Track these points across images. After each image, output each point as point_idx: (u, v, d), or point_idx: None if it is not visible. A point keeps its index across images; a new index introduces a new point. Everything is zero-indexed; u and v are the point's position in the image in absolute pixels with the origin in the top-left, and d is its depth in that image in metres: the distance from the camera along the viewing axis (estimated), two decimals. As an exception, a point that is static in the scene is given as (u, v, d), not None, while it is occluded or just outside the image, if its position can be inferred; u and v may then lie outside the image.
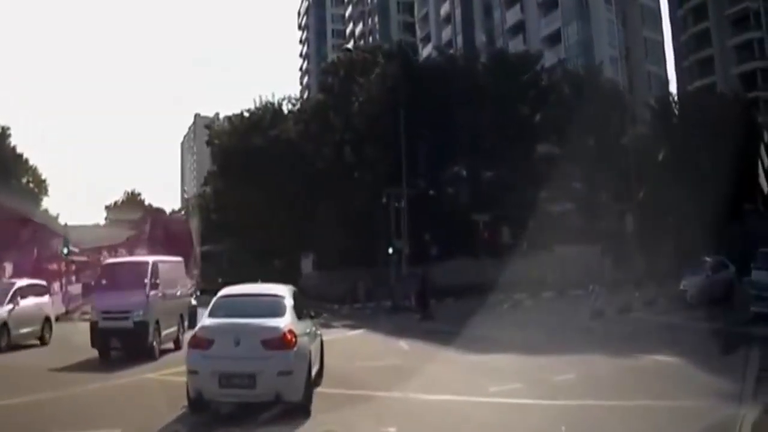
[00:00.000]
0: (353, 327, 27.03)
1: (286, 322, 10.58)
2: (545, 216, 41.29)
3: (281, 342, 10.20)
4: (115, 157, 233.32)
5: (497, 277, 37.67)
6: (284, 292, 11.54)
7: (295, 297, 11.61)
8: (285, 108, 64.53)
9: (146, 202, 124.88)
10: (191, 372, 10.34)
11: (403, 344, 20.67)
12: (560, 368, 14.60)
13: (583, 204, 42.19)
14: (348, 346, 19.90)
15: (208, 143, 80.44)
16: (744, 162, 39.09)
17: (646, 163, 40.05)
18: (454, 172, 46.10)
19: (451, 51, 60.76)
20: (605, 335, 21.05)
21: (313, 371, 11.36)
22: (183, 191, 55.20)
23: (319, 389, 12.03)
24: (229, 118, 68.96)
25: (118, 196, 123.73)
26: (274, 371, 10.01)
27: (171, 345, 19.29)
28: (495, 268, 39.03)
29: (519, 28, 70.97)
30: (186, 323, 20.45)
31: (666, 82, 60.83)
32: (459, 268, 41.09)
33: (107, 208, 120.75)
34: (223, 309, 10.95)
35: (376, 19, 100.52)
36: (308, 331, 11.49)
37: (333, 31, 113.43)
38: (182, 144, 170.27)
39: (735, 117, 43.00)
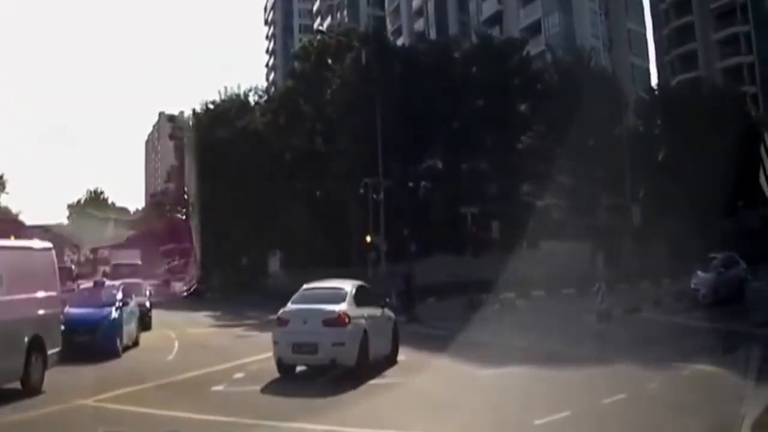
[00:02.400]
0: (330, 330, 23.98)
1: (342, 307, 13.58)
2: (531, 210, 38.80)
3: (336, 321, 13.28)
4: (77, 155, 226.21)
5: (481, 275, 35.11)
6: (348, 286, 14.68)
7: (359, 289, 14.65)
8: (251, 99, 62.11)
9: (110, 201, 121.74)
10: (275, 343, 13.66)
11: (396, 353, 17.77)
12: (601, 385, 11.78)
13: (572, 198, 39.69)
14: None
15: (171, 137, 77.28)
16: (738, 157, 36.81)
17: (639, 156, 37.65)
18: (433, 163, 43.32)
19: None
20: (623, 340, 18.47)
21: (376, 348, 14.06)
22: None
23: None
24: (193, 111, 65.73)
25: (80, 194, 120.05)
26: (330, 342, 13.06)
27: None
28: (479, 266, 36.45)
29: (496, 19, 68.62)
30: (56, 349, 12.91)
31: (652, 75, 59.00)
32: (440, 266, 38.37)
33: (70, 206, 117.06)
34: (301, 298, 14.45)
35: (345, 13, 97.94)
36: (366, 315, 14.11)
37: (300, 26, 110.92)
38: (147, 143, 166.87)
39: (728, 111, 41.20)
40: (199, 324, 30.16)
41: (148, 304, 25.31)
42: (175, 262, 59.87)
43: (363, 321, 13.77)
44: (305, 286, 15.13)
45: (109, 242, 77.06)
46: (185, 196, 53.19)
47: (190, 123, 55.11)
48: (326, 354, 13.08)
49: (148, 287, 28.37)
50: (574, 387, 11.90)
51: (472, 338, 18.79)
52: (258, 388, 12.39)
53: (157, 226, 69.69)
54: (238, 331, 26.30)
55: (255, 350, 18.09)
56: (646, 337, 18.71)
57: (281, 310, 14.12)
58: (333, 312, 13.39)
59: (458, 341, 18.09)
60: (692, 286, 25.80)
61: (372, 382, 12.71)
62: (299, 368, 13.90)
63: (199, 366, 14.77)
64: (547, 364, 14.11)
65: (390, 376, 13.52)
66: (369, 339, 13.60)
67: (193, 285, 51.37)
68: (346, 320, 13.33)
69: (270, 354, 15.79)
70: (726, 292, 25.33)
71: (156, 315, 28.27)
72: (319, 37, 52.54)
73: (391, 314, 15.95)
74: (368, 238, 36.69)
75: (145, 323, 22.92)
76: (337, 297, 13.99)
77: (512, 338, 18.86)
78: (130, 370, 14.74)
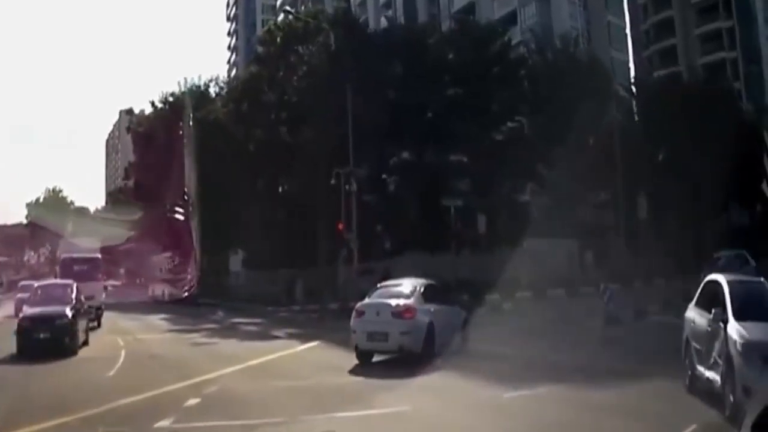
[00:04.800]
0: (302, 338, 20.98)
1: (408, 302, 15.21)
2: (514, 206, 36.29)
3: (402, 313, 14.90)
4: (35, 155, 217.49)
5: (461, 274, 32.59)
6: (417, 283, 16.23)
7: (427, 287, 16.14)
8: (212, 90, 59.31)
9: (69, 200, 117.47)
10: (353, 331, 15.19)
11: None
12: (659, 412, 9.17)
13: (557, 193, 37.20)
14: (307, 373, 14.00)
15: (129, 129, 73.68)
16: (729, 155, 34.68)
17: (630, 151, 35.35)
18: (408, 155, 40.43)
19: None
20: (646, 348, 15.94)
21: (443, 339, 15.28)
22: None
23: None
24: (151, 103, 62.68)
25: (39, 193, 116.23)
26: (398, 331, 14.68)
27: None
28: (457, 265, 33.86)
29: (468, 10, 66.10)
30: None
31: (637, 69, 57.30)
32: (415, 265, 35.54)
33: (28, 205, 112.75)
34: (376, 293, 16.24)
35: (309, 6, 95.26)
36: (432, 309, 15.42)
37: (263, 21, 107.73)
38: (107, 141, 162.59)
39: (719, 107, 39.28)
40: (154, 329, 27.18)
41: (69, 313, 17.59)
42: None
43: (429, 314, 15.16)
44: (380, 284, 17.18)
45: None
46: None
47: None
48: (395, 341, 14.60)
49: (75, 290, 19.67)
50: (630, 415, 9.22)
51: (474, 348, 16.22)
52: (216, 423, 9.29)
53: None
54: (196, 337, 23.26)
55: (215, 363, 15.20)
56: (668, 345, 16.11)
57: (359, 304, 15.92)
58: (401, 305, 15.00)
59: (458, 352, 15.52)
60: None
61: (371, 412, 9.67)
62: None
63: (143, 386, 11.70)
64: (579, 382, 11.44)
65: (391, 403, 10.38)
66: (435, 330, 15.01)
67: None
68: (412, 314, 14.86)
69: (232, 369, 14.44)
70: (738, 293, 23.13)
71: (109, 318, 26.17)
72: (284, 19, 49.43)
73: (462, 311, 17.35)
74: (340, 226, 33.50)
75: (63, 345, 16.80)
76: (407, 293, 15.62)
77: (515, 347, 16.37)
78: (56, 393, 11.59)
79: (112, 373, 14.09)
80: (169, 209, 52.86)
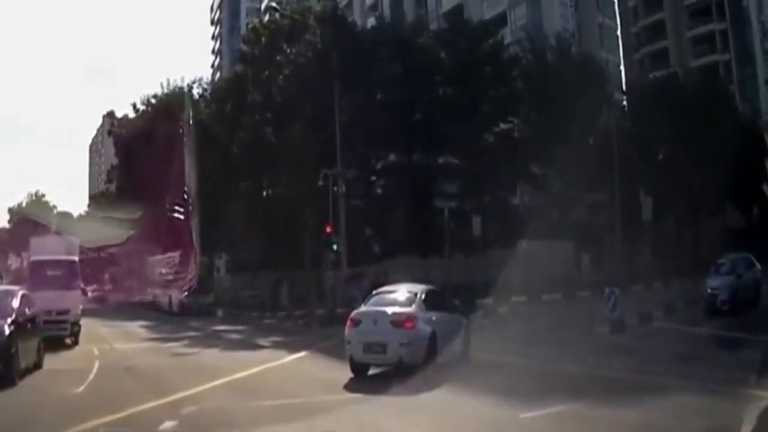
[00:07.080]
0: (289, 347, 19.78)
1: (409, 310, 14.07)
2: (508, 207, 35.28)
3: (402, 323, 13.69)
4: (17, 159, 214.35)
5: (453, 278, 31.60)
6: (417, 289, 15.09)
7: (428, 293, 14.97)
8: (196, 92, 58.20)
9: (52, 204, 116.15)
10: (347, 342, 14.02)
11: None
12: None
13: (552, 193, 36.30)
14: (297, 389, 12.81)
15: (110, 132, 72.66)
16: (727, 157, 33.88)
17: (628, 152, 34.52)
18: (397, 157, 39.40)
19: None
20: (654, 357, 14.83)
21: (446, 349, 14.18)
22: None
23: None
24: (133, 105, 61.50)
25: (21, 197, 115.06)
26: (397, 342, 13.45)
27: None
28: (449, 268, 32.87)
29: (457, 12, 65.24)
30: None
31: (627, 71, 56.82)
32: (405, 268, 34.56)
33: (11, 210, 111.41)
34: (373, 300, 15.07)
35: (295, 5, 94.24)
36: (435, 318, 14.30)
37: (248, 25, 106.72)
38: (91, 146, 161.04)
39: (717, 109, 38.61)
40: (132, 337, 25.87)
41: (7, 329, 13.30)
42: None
43: (431, 323, 14.04)
44: (377, 290, 15.91)
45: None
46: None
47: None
48: (394, 353, 13.43)
49: (20, 299, 15.13)
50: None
51: (476, 357, 15.32)
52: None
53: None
54: (176, 346, 21.99)
55: (195, 377, 13.96)
56: (680, 353, 15.12)
57: (354, 312, 14.72)
58: (401, 314, 13.83)
59: (460, 362, 14.60)
60: (708, 290, 22.52)
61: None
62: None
63: (114, 405, 10.45)
64: (596, 397, 10.30)
65: (399, 427, 9.11)
66: (437, 340, 13.88)
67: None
68: (413, 323, 13.70)
69: (214, 384, 13.37)
70: (745, 296, 22.37)
71: (88, 325, 24.50)
72: (270, 17, 48.31)
73: (463, 318, 16.35)
74: (328, 229, 32.32)
75: None
76: (407, 300, 14.49)
77: (523, 356, 15.44)
78: (13, 413, 10.35)
79: (81, 388, 12.72)
80: (167, 208, 51.44)
